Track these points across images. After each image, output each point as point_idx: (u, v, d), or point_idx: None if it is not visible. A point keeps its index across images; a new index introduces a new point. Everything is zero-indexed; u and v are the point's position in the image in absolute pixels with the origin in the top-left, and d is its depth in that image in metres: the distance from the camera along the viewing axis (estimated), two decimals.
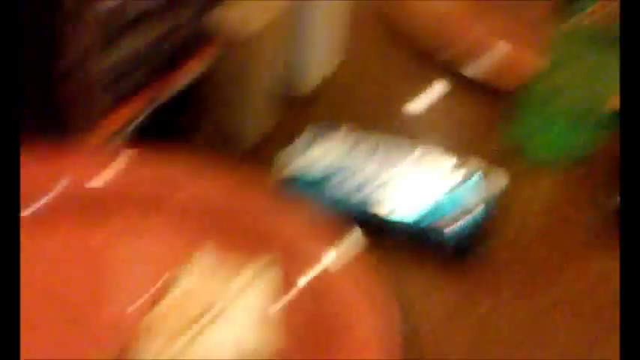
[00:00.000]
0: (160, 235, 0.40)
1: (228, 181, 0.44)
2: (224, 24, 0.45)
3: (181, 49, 0.52)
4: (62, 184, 0.41)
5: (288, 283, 0.37)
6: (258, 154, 0.50)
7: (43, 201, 0.40)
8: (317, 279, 0.37)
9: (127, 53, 0.45)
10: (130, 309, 0.35)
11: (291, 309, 0.36)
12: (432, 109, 0.53)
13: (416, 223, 0.41)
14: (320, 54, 0.55)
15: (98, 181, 0.42)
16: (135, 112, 0.48)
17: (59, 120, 0.43)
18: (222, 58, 0.47)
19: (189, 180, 0.43)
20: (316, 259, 0.38)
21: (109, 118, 0.46)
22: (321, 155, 0.47)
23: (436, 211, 0.41)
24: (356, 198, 0.43)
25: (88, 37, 0.40)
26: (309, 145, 0.47)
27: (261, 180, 0.45)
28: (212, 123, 0.51)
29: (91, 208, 0.40)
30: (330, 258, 0.38)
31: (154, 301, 0.35)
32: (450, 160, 0.45)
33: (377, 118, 0.52)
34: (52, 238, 0.38)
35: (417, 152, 0.45)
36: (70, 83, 0.41)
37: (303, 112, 0.53)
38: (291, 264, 0.38)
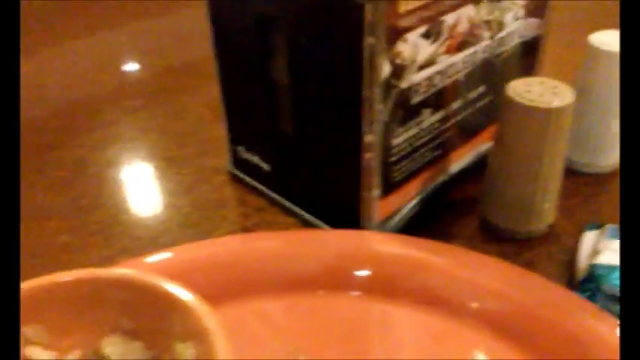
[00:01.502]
0: (438, 325, 0.40)
1: (512, 276, 0.42)
2: (520, 99, 0.44)
3: (471, 126, 0.53)
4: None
5: None
6: (543, 246, 0.48)
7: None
8: None
9: (416, 132, 0.47)
10: None
11: None
12: None
13: None
14: (615, 136, 0.53)
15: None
16: (418, 189, 0.50)
17: (355, 192, 0.46)
18: (511, 135, 0.45)
19: (468, 274, 0.42)
20: None
21: (395, 194, 0.48)
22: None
23: None
24: None
25: (388, 113, 0.43)
26: (606, 238, 0.44)
27: (551, 277, 0.43)
28: (496, 204, 0.49)
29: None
30: None
31: None
32: None
33: None
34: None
35: None
36: (371, 155, 0.44)
37: (594, 199, 0.52)
38: None
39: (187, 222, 0.54)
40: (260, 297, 0.44)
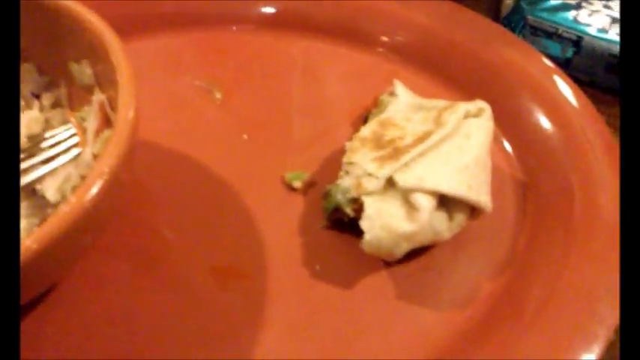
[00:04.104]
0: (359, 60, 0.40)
1: (441, 10, 0.40)
2: None
3: None
4: None
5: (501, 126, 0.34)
6: None
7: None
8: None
9: None
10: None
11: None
12: None
13: None
14: None
15: None
16: None
17: None
18: None
19: (399, 9, 0.41)
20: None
21: None
22: None
23: None
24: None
25: None
26: None
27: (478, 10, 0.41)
28: None
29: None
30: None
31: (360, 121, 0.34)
32: None
33: None
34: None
35: None
36: None
37: None
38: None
39: None
40: (170, 32, 0.40)
